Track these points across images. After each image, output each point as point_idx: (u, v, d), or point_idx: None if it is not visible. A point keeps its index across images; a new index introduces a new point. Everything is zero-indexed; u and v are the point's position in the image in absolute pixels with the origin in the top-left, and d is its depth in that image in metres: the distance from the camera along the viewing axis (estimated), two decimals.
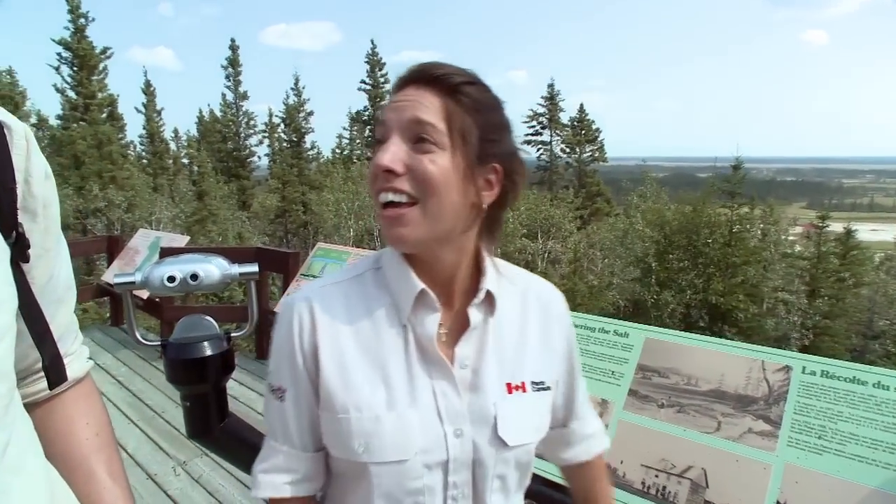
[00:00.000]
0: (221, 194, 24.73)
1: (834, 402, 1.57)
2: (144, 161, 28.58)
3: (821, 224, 16.55)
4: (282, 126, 31.27)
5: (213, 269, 1.27)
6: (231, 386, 2.56)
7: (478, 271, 0.76)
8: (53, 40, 20.91)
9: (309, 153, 31.04)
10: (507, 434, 0.72)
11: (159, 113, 29.63)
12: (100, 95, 21.93)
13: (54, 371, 0.67)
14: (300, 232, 27.49)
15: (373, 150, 0.70)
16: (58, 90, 21.27)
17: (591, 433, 0.90)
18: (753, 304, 15.24)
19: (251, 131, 32.88)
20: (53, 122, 22.17)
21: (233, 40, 32.04)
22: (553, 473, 1.68)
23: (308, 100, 31.07)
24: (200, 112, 33.44)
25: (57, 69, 21.09)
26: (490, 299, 0.75)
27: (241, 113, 32.65)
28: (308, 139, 31.07)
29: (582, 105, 36.77)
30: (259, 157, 33.05)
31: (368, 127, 32.65)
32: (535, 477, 0.88)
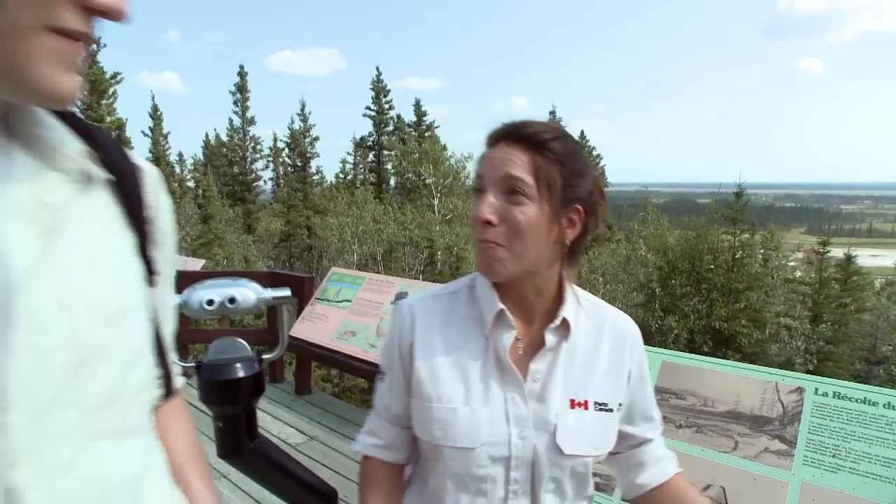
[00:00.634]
0: (227, 218, 24.93)
1: (847, 423, 1.64)
2: None
3: (822, 250, 16.66)
4: (286, 150, 31.67)
5: (250, 292, 1.35)
6: None
7: (559, 298, 0.86)
8: None
9: (314, 177, 31.36)
10: (565, 443, 0.81)
11: (166, 137, 30.04)
12: (108, 119, 22.29)
13: (168, 383, 0.76)
14: (304, 256, 27.57)
15: (473, 197, 0.82)
16: None
17: (664, 455, 0.97)
18: (757, 330, 15.25)
19: (257, 155, 33.28)
20: None
21: (241, 67, 32.59)
22: None
23: (314, 125, 31.56)
24: (207, 136, 33.91)
25: None
26: (566, 325, 0.85)
27: (248, 138, 33.10)
28: (313, 164, 31.43)
29: (583, 131, 37.31)
30: (265, 182, 33.38)
31: (373, 152, 33.01)
32: None
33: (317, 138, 31.57)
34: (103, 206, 0.55)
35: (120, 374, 0.52)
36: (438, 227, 21.42)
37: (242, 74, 32.57)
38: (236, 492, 2.82)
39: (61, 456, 0.45)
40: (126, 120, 23.65)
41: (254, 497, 2.76)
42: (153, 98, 30.66)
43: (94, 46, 21.50)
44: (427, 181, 24.84)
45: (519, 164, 0.77)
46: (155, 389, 0.63)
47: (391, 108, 32.57)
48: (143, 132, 29.70)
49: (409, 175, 27.40)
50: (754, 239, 17.70)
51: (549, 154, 0.77)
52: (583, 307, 0.89)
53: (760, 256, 19.48)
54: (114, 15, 0.43)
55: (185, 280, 1.21)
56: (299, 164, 30.59)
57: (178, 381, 0.83)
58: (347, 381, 12.03)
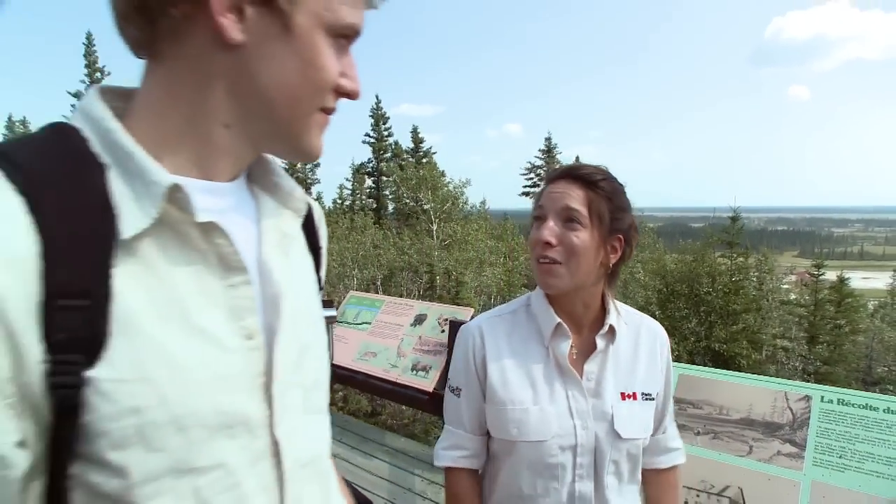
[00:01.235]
0: None
1: (851, 426, 1.81)
2: None
3: (817, 272, 16.94)
4: None
5: None
6: None
7: (603, 310, 1.05)
8: (69, 93, 21.76)
9: None
10: (622, 429, 0.99)
11: None
12: None
13: None
14: None
15: (533, 224, 1.01)
16: None
17: (674, 447, 1.16)
18: (755, 351, 15.42)
19: None
20: None
21: None
22: None
23: None
24: None
25: None
26: (612, 331, 1.03)
27: None
28: (314, 189, 31.72)
29: (578, 157, 37.85)
30: None
31: (371, 178, 33.36)
32: None
33: (317, 164, 31.98)
34: (301, 235, 0.73)
35: (318, 366, 0.68)
36: (437, 252, 21.61)
37: None
38: None
39: (295, 422, 0.60)
40: None
41: None
42: None
43: (99, 74, 21.88)
44: (425, 206, 25.12)
45: (575, 198, 0.96)
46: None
47: (390, 134, 33.07)
48: None
49: (408, 201, 27.66)
50: (748, 262, 17.99)
51: (600, 191, 0.97)
52: (621, 315, 1.07)
53: (755, 279, 19.73)
54: (354, 96, 0.60)
55: None
56: None
57: None
58: (352, 404, 12.06)
